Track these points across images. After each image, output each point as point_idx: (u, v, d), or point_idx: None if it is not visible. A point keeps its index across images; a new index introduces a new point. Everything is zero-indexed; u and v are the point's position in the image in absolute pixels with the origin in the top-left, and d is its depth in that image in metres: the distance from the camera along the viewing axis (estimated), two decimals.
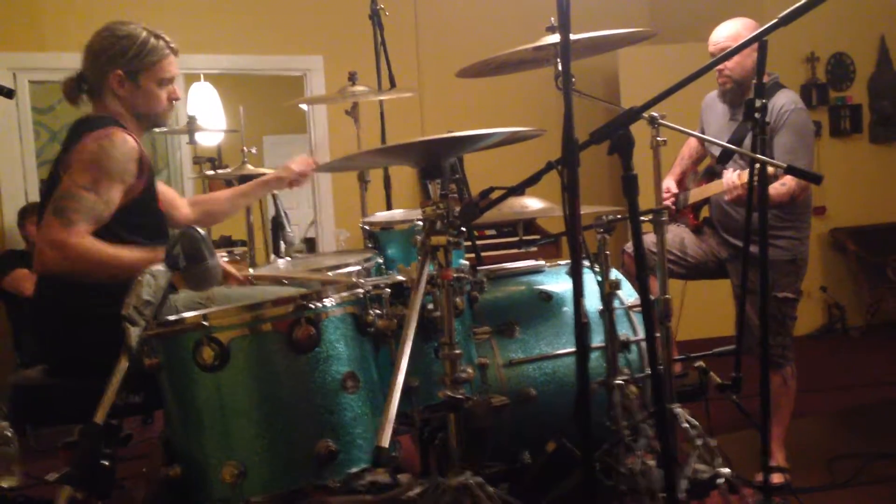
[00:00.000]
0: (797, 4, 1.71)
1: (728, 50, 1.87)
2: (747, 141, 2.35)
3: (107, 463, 1.74)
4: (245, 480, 1.84)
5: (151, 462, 2.14)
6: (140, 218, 2.30)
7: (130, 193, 2.25)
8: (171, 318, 1.91)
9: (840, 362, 5.25)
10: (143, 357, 1.89)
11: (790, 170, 2.20)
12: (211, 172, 3.57)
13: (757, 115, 2.15)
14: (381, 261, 2.73)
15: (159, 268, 1.86)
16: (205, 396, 1.88)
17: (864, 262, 5.92)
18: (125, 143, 2.24)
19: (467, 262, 2.59)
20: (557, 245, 5.23)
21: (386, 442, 1.60)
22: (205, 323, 1.85)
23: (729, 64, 3.11)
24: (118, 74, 2.33)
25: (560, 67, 2.04)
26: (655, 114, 2.37)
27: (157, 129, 2.57)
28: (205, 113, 5.17)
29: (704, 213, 3.47)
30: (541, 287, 2.77)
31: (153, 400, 2.08)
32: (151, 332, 1.87)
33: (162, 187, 2.59)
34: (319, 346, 1.91)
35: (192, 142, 3.55)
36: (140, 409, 2.20)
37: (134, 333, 1.79)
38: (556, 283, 2.80)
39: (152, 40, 2.36)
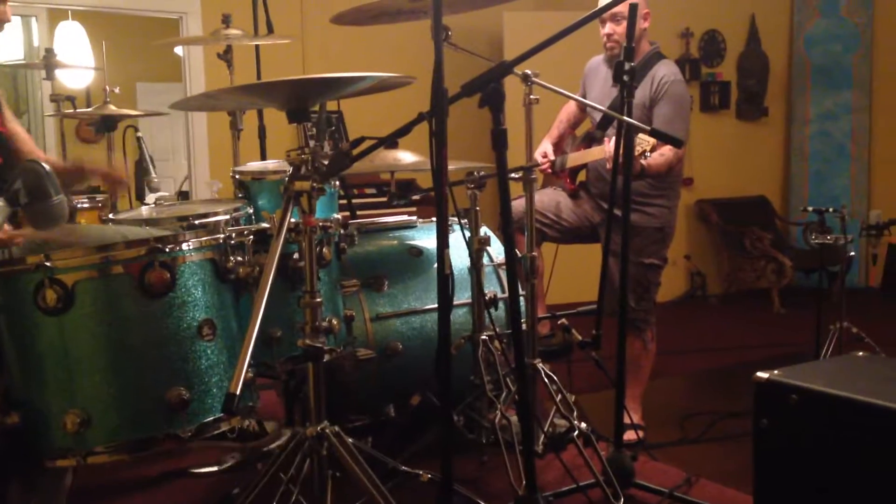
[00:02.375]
0: None
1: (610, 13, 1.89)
2: None
3: None
4: (88, 429, 1.76)
5: None
6: None
7: None
8: (11, 257, 1.79)
9: (699, 327, 5.52)
10: None
11: (654, 133, 2.26)
12: (70, 111, 3.36)
13: (626, 77, 2.19)
14: (251, 211, 2.65)
15: None
16: (46, 341, 1.78)
17: (726, 233, 6.21)
18: None
19: (340, 216, 2.55)
20: (434, 205, 5.22)
21: (237, 389, 1.55)
22: (47, 263, 1.74)
23: (619, 29, 3.14)
24: None
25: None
26: (529, 71, 2.37)
27: (13, 63, 2.38)
28: (72, 53, 4.86)
29: (581, 177, 3.53)
30: (411, 242, 2.77)
31: None
32: None
33: (8, 119, 2.41)
34: (174, 292, 1.84)
35: (49, 77, 3.33)
36: None
37: None
38: (428, 238, 2.81)
39: None
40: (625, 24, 3.10)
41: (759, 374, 1.65)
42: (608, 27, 3.16)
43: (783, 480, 1.64)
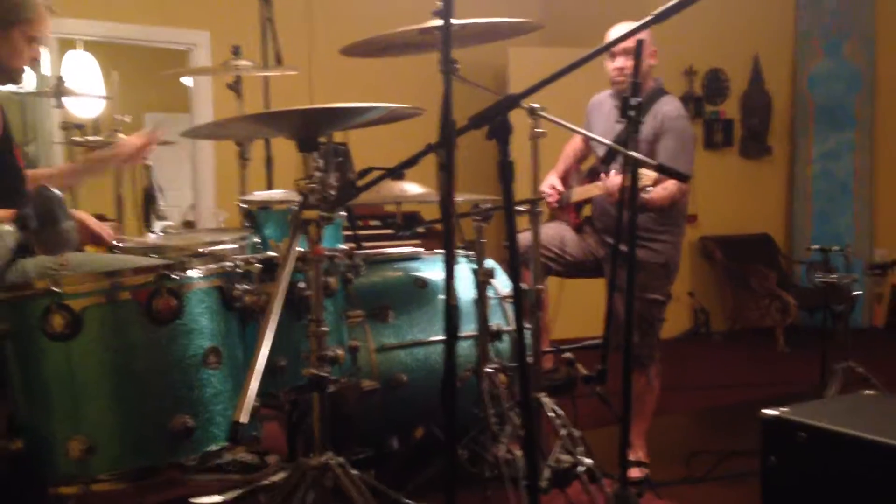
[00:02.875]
0: (671, 3, 1.76)
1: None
2: None
3: None
4: (93, 456, 1.75)
5: None
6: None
7: None
8: (19, 281, 1.79)
9: (702, 364, 5.49)
10: None
11: (660, 168, 2.27)
12: (80, 139, 3.38)
13: (631, 112, 2.20)
14: (257, 240, 2.66)
15: (7, 227, 1.74)
16: (53, 367, 1.78)
17: (730, 270, 6.21)
18: None
19: (346, 247, 2.56)
20: (439, 238, 5.24)
21: (244, 417, 1.55)
22: (55, 289, 1.74)
23: (630, 64, 3.16)
24: None
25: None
26: (536, 105, 2.39)
27: (24, 92, 2.42)
28: (81, 82, 4.91)
29: (586, 212, 3.54)
30: (417, 274, 2.76)
31: None
32: None
33: None
34: (181, 319, 1.84)
35: (59, 105, 3.36)
36: None
37: None
38: (433, 270, 2.80)
39: None
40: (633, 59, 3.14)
41: (767, 411, 1.65)
42: (619, 61, 3.19)
43: None
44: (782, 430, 1.58)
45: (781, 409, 1.61)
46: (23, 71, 2.34)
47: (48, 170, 2.81)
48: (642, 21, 1.81)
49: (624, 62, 3.17)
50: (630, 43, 3.07)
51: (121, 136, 3.18)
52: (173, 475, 1.82)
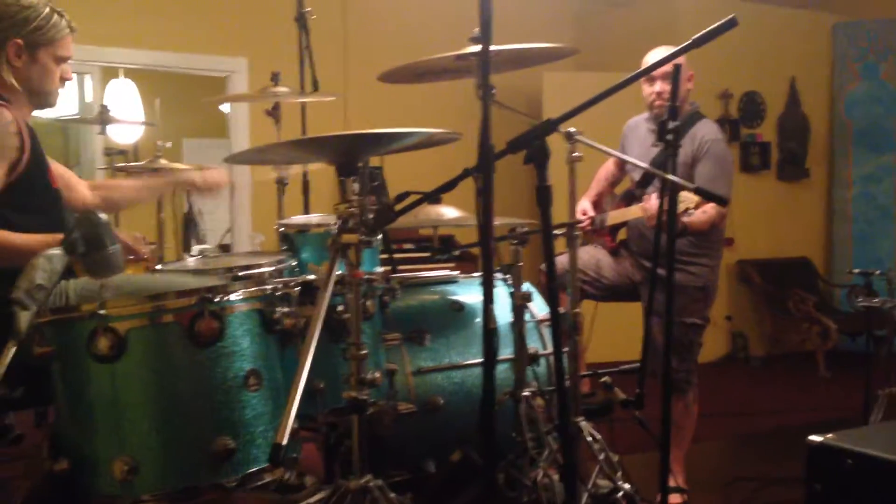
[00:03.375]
0: (710, 27, 1.77)
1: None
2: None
3: None
4: (136, 476, 1.76)
5: (37, 456, 2.04)
6: (28, 197, 2.20)
7: (14, 171, 2.16)
8: (67, 304, 1.83)
9: (741, 390, 5.42)
10: (34, 345, 1.80)
11: (699, 191, 2.26)
12: (122, 164, 3.45)
13: (669, 136, 2.20)
14: (294, 263, 2.69)
15: (56, 251, 1.78)
16: (98, 388, 1.80)
17: (768, 294, 6.13)
18: (1, 117, 2.15)
19: (382, 270, 2.58)
20: (475, 262, 5.26)
21: (284, 439, 1.56)
22: (102, 311, 1.77)
23: (668, 87, 3.17)
24: (17, 44, 2.25)
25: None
26: (573, 129, 2.40)
27: (67, 118, 2.48)
28: (122, 109, 5.02)
29: (622, 235, 3.53)
30: (453, 297, 2.77)
31: (34, 396, 1.99)
32: (44, 318, 1.79)
33: (57, 167, 2.49)
34: (222, 341, 1.86)
35: (103, 132, 3.44)
36: (20, 405, 2.09)
37: (24, 318, 1.71)
38: (469, 293, 2.81)
39: (55, 17, 2.30)
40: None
41: (813, 437, 1.62)
42: (658, 86, 3.18)
43: None
44: (828, 457, 1.55)
45: (827, 435, 1.59)
46: (56, 93, 2.38)
47: (122, 181, 2.87)
48: (681, 46, 1.82)
49: (662, 86, 3.16)
50: (668, 67, 3.08)
51: (162, 161, 3.24)
52: (214, 496, 1.83)
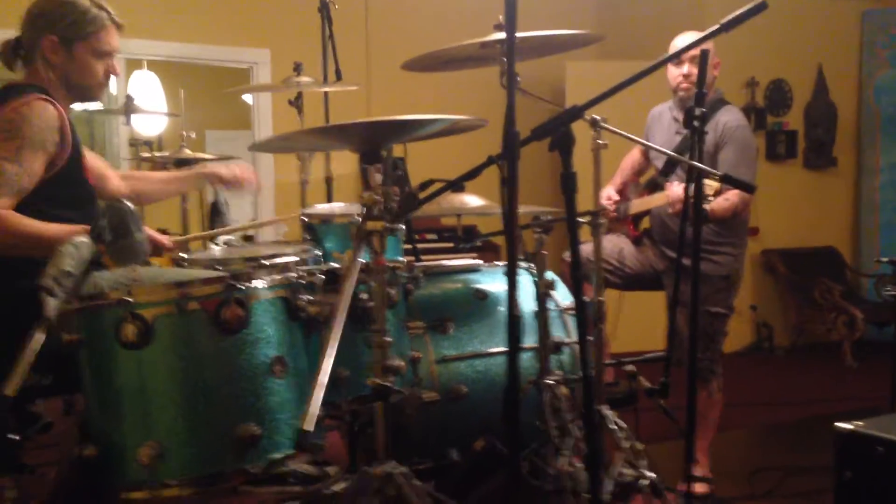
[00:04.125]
0: (738, 11, 1.75)
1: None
2: None
3: (16, 437, 1.66)
4: (162, 462, 1.78)
5: (66, 443, 2.06)
6: (67, 190, 2.22)
7: (54, 165, 2.18)
8: (93, 292, 1.84)
9: (766, 379, 5.38)
10: (62, 332, 1.82)
11: (725, 178, 2.24)
12: (147, 154, 3.48)
13: (696, 122, 2.18)
14: (319, 253, 2.69)
15: (83, 239, 1.80)
16: (125, 375, 1.82)
17: (793, 283, 6.07)
18: (45, 111, 2.16)
19: (405, 259, 2.58)
20: (497, 252, 5.25)
21: (310, 426, 1.56)
22: (129, 299, 1.79)
23: (696, 70, 3.14)
24: (52, 40, 2.25)
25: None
26: (597, 117, 2.39)
27: (92, 109, 2.49)
28: (146, 101, 5.05)
29: (645, 224, 3.51)
30: (477, 286, 2.76)
31: (63, 383, 2.01)
32: (72, 306, 1.81)
33: (91, 158, 2.51)
34: (248, 328, 1.87)
35: (128, 122, 3.46)
36: (49, 392, 2.12)
37: (52, 304, 1.72)
38: (493, 282, 2.80)
39: (94, 10, 2.28)
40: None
41: (841, 424, 1.60)
42: (686, 68, 3.15)
43: None
44: (858, 445, 1.54)
45: (857, 422, 1.57)
46: (100, 88, 2.37)
47: (152, 173, 2.90)
48: (709, 30, 1.80)
49: (690, 69, 3.14)
50: (696, 51, 3.05)
51: (187, 151, 3.26)
52: (239, 482, 1.84)
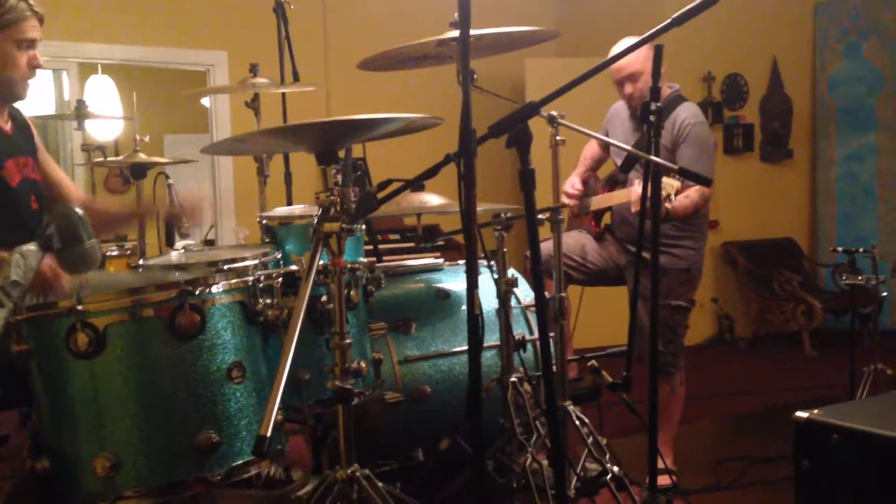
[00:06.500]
0: (689, 6, 1.75)
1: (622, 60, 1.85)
2: None
3: None
4: (118, 473, 1.75)
5: (18, 456, 2.01)
6: None
7: None
8: (42, 301, 1.80)
9: (728, 371, 5.43)
10: (11, 343, 1.78)
11: (682, 172, 2.25)
12: (100, 160, 3.41)
13: (652, 117, 2.19)
14: (279, 256, 2.66)
15: (30, 247, 1.75)
16: (78, 385, 1.78)
17: (753, 275, 6.15)
18: None
19: (366, 260, 2.56)
20: (460, 250, 5.24)
21: (268, 431, 1.54)
22: (79, 307, 1.75)
23: (638, 86, 3.17)
24: None
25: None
26: (555, 113, 2.39)
27: (45, 115, 2.42)
28: (101, 105, 4.96)
29: (606, 220, 3.52)
30: (438, 285, 2.76)
31: (16, 395, 1.96)
32: (21, 316, 1.76)
33: (54, 172, 2.44)
34: (204, 334, 1.84)
35: (80, 127, 3.39)
36: (2, 405, 2.05)
37: None
38: (454, 281, 2.80)
39: (13, 0, 2.21)
40: (641, 80, 3.13)
41: (799, 413, 1.61)
42: (627, 88, 3.19)
43: None
44: (815, 433, 1.55)
45: (813, 411, 1.58)
46: (23, 80, 2.30)
47: (108, 207, 2.81)
48: (661, 25, 1.80)
49: (630, 88, 3.18)
50: (633, 68, 3.09)
51: (141, 155, 3.20)
52: (199, 490, 1.81)
